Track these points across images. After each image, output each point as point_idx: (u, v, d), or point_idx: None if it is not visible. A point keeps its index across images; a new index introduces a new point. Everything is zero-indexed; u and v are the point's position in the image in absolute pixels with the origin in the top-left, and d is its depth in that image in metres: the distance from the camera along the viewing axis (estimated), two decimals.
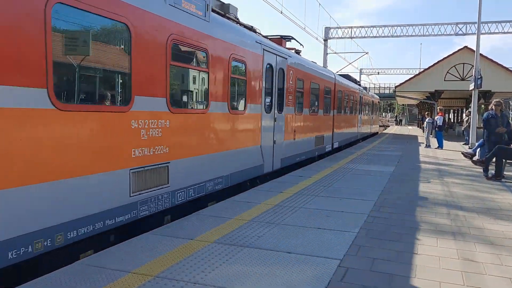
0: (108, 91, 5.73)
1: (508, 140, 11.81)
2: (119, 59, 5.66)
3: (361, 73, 64.33)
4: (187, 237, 5.44)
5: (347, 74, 26.07)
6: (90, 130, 5.07)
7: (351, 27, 38.92)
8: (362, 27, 37.98)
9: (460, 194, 8.96)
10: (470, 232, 6.07)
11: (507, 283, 4.28)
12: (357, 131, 26.38)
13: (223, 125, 8.40)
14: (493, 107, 11.83)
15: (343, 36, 39.52)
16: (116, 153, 5.48)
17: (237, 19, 9.97)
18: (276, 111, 11.25)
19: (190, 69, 7.48)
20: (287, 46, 13.73)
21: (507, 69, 28.63)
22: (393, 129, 51.34)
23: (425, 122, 24.34)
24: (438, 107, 25.88)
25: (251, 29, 10.52)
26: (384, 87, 79.99)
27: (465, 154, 16.28)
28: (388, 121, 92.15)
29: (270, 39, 11.97)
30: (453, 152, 19.81)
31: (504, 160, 11.47)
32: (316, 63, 16.96)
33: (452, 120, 56.88)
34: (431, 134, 22.84)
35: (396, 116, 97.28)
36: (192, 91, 7.67)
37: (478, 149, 14.49)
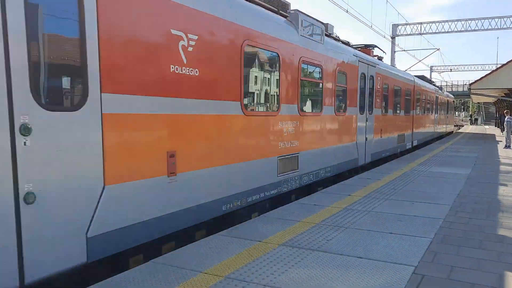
0: (268, 102, 7.90)
1: None
2: (273, 78, 7.87)
3: (431, 70, 61.50)
4: (255, 239, 5.46)
5: (423, 75, 26.52)
6: (261, 128, 7.42)
7: (421, 23, 37.40)
8: (432, 22, 36.36)
9: None
10: None
11: None
12: (434, 130, 27.00)
13: (331, 124, 10.38)
14: None
15: (412, 33, 38.04)
16: (273, 144, 7.81)
17: (338, 37, 11.91)
18: (367, 112, 13.10)
19: (311, 82, 9.45)
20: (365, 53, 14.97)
21: None
22: (468, 128, 48.49)
23: (504, 121, 22.74)
24: None
25: (347, 44, 12.49)
26: (457, 85, 75.75)
27: None
28: (462, 120, 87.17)
29: (355, 47, 13.50)
30: None
31: None
32: (395, 66, 18.19)
33: None
34: (511, 134, 21.28)
35: (470, 115, 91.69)
36: (313, 99, 9.68)
37: None
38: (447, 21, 36.03)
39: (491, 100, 50.12)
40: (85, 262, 4.31)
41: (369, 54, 14.55)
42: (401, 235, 5.70)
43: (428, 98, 24.03)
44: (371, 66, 13.23)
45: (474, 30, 34.48)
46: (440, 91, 30.50)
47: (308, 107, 9.35)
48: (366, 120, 12.96)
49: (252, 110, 7.29)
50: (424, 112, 22.92)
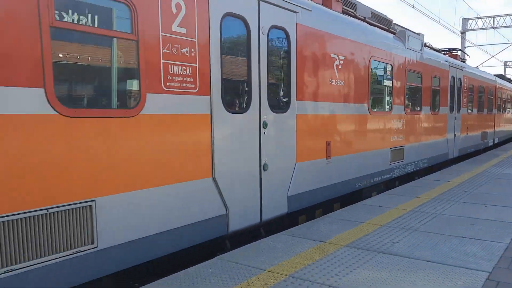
0: (385, 104, 9.67)
1: None
2: (388, 84, 9.62)
3: (505, 66, 57.61)
4: (319, 239, 5.45)
5: (502, 75, 26.82)
6: (380, 125, 9.24)
7: (494, 16, 35.21)
8: (507, 15, 34.08)
9: None
10: None
11: None
12: None
13: (428, 122, 11.98)
14: None
15: (483, 27, 35.92)
16: (387, 138, 9.57)
17: (431, 45, 13.79)
18: (456, 111, 14.54)
19: (414, 86, 11.00)
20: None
21: None
22: None
23: None
24: None
25: (438, 51, 14.36)
26: None
27: None
28: None
29: (441, 52, 14.89)
30: None
31: None
32: (465, 62, 18.66)
33: None
34: None
35: None
36: (415, 100, 11.28)
37: None
38: None
39: None
40: (286, 212, 6.46)
41: (455, 58, 16.03)
42: (473, 239, 5.43)
43: (509, 97, 24.88)
44: (459, 70, 14.78)
45: None
46: None
47: (410, 107, 10.97)
48: (455, 119, 14.49)
49: (375, 110, 9.03)
50: (505, 111, 23.84)
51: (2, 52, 3.22)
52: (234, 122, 5.44)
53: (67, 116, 3.64)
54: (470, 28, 37.01)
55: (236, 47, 5.66)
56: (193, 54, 4.79)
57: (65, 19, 3.68)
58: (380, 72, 9.30)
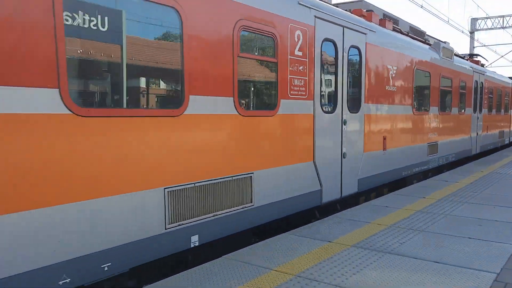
0: (424, 105, 11.36)
1: None
2: (427, 88, 11.35)
3: None
4: (325, 239, 5.46)
5: None
6: (421, 122, 10.95)
7: (503, 16, 34.90)
8: None
9: None
10: None
11: None
12: None
13: (456, 121, 13.70)
14: None
15: (493, 27, 35.62)
16: (425, 134, 11.18)
17: (457, 53, 15.34)
18: (478, 112, 16.18)
19: (445, 89, 12.59)
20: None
21: None
22: None
23: None
24: None
25: (461, 57, 15.95)
26: None
27: None
28: None
29: (461, 57, 16.21)
30: None
31: None
32: (495, 72, 20.74)
33: None
34: None
35: None
36: (446, 102, 12.83)
37: None
38: None
39: None
40: (356, 191, 8.11)
41: (476, 63, 17.36)
42: (481, 240, 5.42)
43: None
44: (481, 74, 16.51)
45: None
46: None
47: (442, 108, 12.51)
48: (477, 119, 16.17)
49: (417, 110, 10.63)
50: None
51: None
52: (326, 120, 7.14)
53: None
54: (479, 28, 36.71)
55: (328, 63, 7.30)
56: (305, 70, 6.52)
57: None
58: (421, 79, 10.96)
